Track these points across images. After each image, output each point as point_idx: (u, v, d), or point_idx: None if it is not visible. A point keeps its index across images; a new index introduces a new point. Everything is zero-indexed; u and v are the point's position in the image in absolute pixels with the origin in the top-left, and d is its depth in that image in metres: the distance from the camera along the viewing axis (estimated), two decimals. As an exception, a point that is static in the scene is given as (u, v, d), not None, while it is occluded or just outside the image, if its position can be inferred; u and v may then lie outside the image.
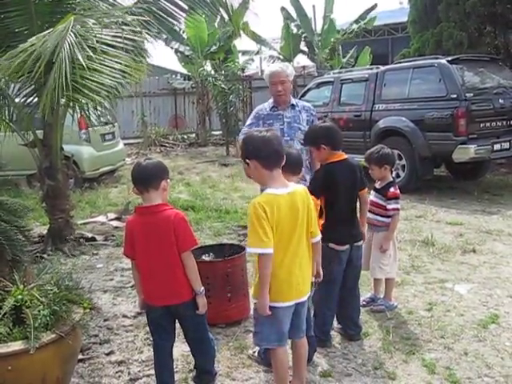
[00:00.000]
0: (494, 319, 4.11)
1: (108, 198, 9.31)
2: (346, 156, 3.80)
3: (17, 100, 6.09)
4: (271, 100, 4.84)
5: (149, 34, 6.15)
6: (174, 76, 21.75)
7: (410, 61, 9.48)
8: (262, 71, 28.59)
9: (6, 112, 6.16)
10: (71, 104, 5.93)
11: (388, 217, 4.25)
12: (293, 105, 4.77)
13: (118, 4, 6.09)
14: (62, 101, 5.92)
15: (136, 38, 5.06)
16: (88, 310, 3.30)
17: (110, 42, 4.85)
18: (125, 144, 15.50)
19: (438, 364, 3.49)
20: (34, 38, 4.47)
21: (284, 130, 4.68)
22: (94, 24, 4.46)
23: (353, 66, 19.46)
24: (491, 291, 4.69)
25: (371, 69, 10.04)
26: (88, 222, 7.63)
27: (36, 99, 5.92)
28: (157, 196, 3.03)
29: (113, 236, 6.94)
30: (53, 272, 3.47)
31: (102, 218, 7.82)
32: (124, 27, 4.86)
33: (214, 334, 4.00)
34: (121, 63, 5.17)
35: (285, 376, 3.02)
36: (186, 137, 18.50)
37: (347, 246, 3.76)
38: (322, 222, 3.70)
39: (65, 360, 3.08)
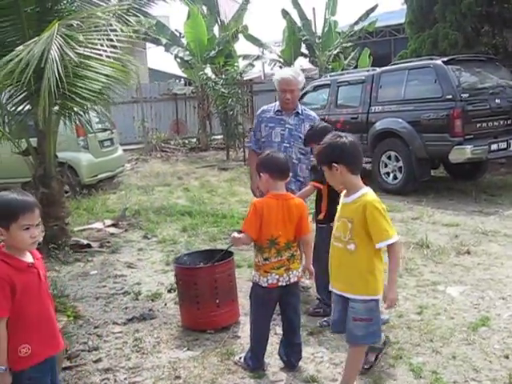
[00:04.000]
0: (485, 322, 4.08)
1: (106, 205, 9.31)
2: None
3: (11, 108, 6.10)
4: (278, 103, 4.84)
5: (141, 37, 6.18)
6: (177, 81, 21.79)
7: (406, 62, 9.46)
8: (264, 75, 28.62)
9: (0, 120, 6.16)
10: (63, 111, 5.96)
11: None
12: (298, 112, 4.76)
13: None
14: (55, 108, 5.97)
15: (123, 39, 5.03)
16: (72, 318, 3.31)
17: (97, 47, 4.86)
18: (126, 150, 15.56)
19: (425, 368, 3.46)
20: (20, 47, 4.49)
21: (284, 136, 4.72)
22: (78, 25, 4.45)
23: (354, 67, 19.43)
24: (483, 293, 4.66)
25: (368, 71, 10.02)
26: (84, 229, 7.63)
27: (28, 107, 5.95)
28: (5, 242, 2.45)
29: (108, 243, 6.94)
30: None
31: (98, 225, 7.82)
32: (112, 31, 4.85)
33: (203, 340, 4.03)
34: (112, 67, 5.20)
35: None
36: (187, 141, 18.50)
37: None
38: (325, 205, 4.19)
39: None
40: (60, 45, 4.25)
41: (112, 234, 7.40)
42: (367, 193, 2.94)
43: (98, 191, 10.43)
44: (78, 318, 3.62)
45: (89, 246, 6.72)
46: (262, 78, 26.76)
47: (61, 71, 4.22)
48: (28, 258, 2.50)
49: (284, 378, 3.44)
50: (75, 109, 5.94)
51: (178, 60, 17.84)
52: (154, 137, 17.67)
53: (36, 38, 4.42)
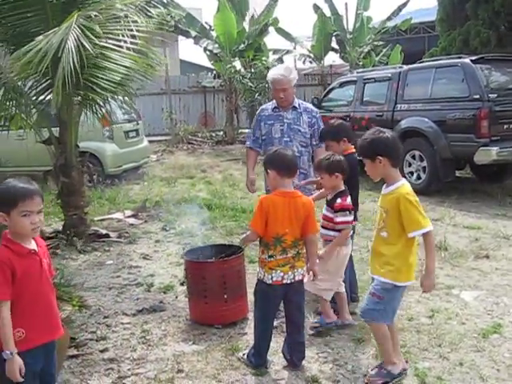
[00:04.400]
0: (497, 329, 3.98)
1: (128, 195, 9.40)
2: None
3: (33, 97, 6.18)
4: (274, 101, 4.95)
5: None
6: (209, 74, 21.80)
7: (434, 60, 9.29)
8: (296, 69, 28.43)
9: (23, 109, 6.23)
10: (85, 102, 6.02)
11: (338, 231, 3.85)
12: (294, 106, 4.88)
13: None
14: (77, 99, 6.04)
15: (144, 29, 5.04)
16: (77, 308, 3.34)
17: (117, 38, 4.89)
18: (153, 141, 15.69)
19: (430, 374, 3.40)
20: (40, 37, 4.56)
21: (284, 131, 4.84)
22: (96, 16, 4.48)
23: (385, 65, 19.17)
24: (498, 299, 4.55)
25: (394, 68, 9.89)
26: (105, 219, 7.72)
27: (49, 96, 6.02)
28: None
29: (126, 233, 7.00)
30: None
31: (118, 215, 7.91)
32: (133, 22, 4.85)
33: (209, 334, 4.03)
34: (131, 59, 5.23)
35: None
36: (214, 134, 18.54)
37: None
38: None
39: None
40: (77, 35, 4.29)
41: (131, 225, 7.48)
42: (403, 185, 3.17)
43: (122, 181, 10.54)
44: (84, 307, 3.65)
45: (107, 235, 6.79)
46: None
47: (75, 62, 4.26)
48: (31, 246, 2.55)
49: (286, 377, 3.41)
50: (97, 99, 5.98)
51: (208, 53, 17.88)
52: (181, 129, 17.77)
53: (56, 29, 4.47)
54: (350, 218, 3.85)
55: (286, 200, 3.30)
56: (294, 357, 3.48)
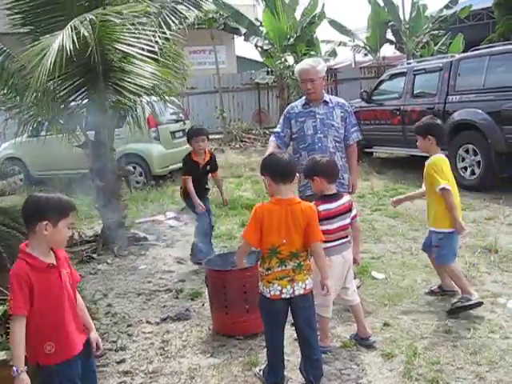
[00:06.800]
0: (545, 345, 3.59)
1: (173, 197, 9.35)
2: None
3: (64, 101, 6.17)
4: (304, 97, 4.71)
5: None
6: (268, 70, 21.57)
7: (488, 47, 8.70)
8: (355, 62, 27.76)
9: (57, 113, 6.21)
10: (116, 105, 5.97)
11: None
12: (325, 101, 4.63)
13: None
14: (108, 102, 6.00)
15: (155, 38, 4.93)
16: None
17: (137, 45, 4.78)
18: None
19: (463, 396, 3.08)
20: (47, 35, 4.53)
21: (317, 127, 4.60)
22: (91, 19, 4.39)
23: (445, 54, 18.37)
24: (551, 311, 4.13)
25: (446, 57, 9.35)
26: (146, 221, 7.70)
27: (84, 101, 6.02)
28: (34, 240, 2.45)
29: (165, 236, 6.94)
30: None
31: (160, 217, 7.87)
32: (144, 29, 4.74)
33: (229, 346, 3.85)
34: (156, 67, 5.14)
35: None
36: (267, 132, 18.32)
37: None
38: None
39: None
40: (65, 37, 4.22)
41: (171, 227, 7.41)
42: (435, 156, 4.16)
43: (168, 182, 10.53)
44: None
45: (145, 238, 6.75)
46: (353, 65, 26.01)
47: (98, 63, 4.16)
48: (50, 259, 2.49)
49: (302, 396, 3.19)
50: (127, 103, 5.93)
51: (259, 49, 17.66)
52: (234, 127, 17.67)
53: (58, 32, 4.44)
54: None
55: (282, 208, 3.04)
56: (311, 375, 3.22)
